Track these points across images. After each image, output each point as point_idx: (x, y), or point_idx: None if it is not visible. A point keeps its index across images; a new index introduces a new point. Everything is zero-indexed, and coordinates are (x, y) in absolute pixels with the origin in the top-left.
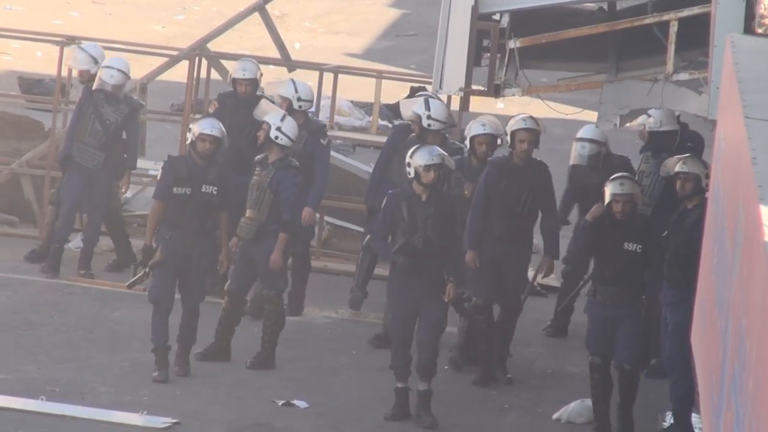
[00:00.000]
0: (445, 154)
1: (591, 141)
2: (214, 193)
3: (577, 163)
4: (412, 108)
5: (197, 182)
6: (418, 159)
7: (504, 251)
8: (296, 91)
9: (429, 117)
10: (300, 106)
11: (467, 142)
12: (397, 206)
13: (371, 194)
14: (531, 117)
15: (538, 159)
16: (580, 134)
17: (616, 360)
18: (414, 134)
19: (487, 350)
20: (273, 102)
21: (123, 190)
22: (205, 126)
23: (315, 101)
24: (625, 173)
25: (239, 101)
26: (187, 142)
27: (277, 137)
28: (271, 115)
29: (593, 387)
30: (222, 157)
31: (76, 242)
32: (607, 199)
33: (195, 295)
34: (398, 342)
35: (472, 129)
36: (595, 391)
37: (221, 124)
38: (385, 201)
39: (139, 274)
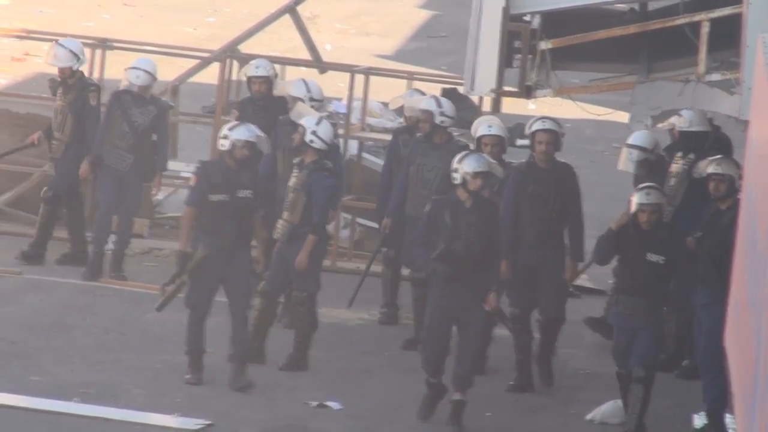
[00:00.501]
0: (493, 161)
1: (637, 147)
2: (250, 196)
3: (624, 168)
4: (419, 106)
5: (233, 187)
6: (466, 166)
7: (537, 258)
8: (308, 91)
9: (442, 113)
10: (312, 106)
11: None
12: (440, 212)
13: (382, 205)
14: (550, 118)
15: (563, 161)
16: (629, 140)
17: (629, 366)
18: (421, 134)
19: (524, 360)
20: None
21: (154, 192)
22: (243, 133)
23: (347, 103)
24: (651, 183)
25: (258, 106)
26: (223, 148)
27: (312, 141)
28: (307, 118)
29: (623, 395)
30: (257, 160)
31: (107, 245)
32: (633, 209)
33: (241, 303)
34: (430, 351)
35: (479, 130)
36: (625, 400)
37: (257, 128)
38: (428, 206)
39: (176, 284)
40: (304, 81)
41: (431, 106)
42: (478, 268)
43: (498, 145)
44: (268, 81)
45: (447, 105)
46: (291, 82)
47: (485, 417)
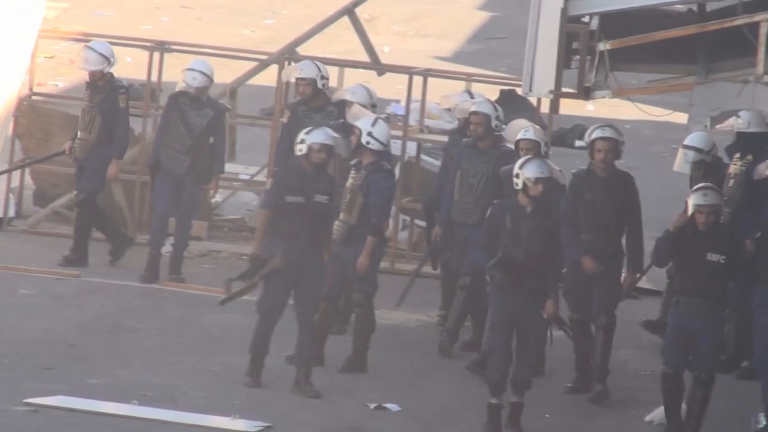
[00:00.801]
0: (555, 167)
1: (693, 149)
2: (326, 201)
3: (679, 170)
4: (473, 108)
5: (310, 191)
6: (527, 171)
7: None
8: (370, 97)
9: (497, 117)
10: (323, 84)
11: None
12: (501, 217)
13: (432, 206)
14: (610, 125)
15: (623, 170)
16: (685, 141)
17: (692, 368)
18: (468, 138)
19: (583, 362)
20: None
21: (211, 194)
22: (319, 136)
23: (405, 105)
24: (708, 183)
25: (309, 108)
26: (300, 153)
27: (368, 142)
28: (363, 120)
29: (665, 395)
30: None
31: (166, 247)
32: (690, 210)
33: (310, 310)
34: (496, 355)
35: (518, 134)
36: (666, 401)
37: (333, 132)
38: (489, 211)
39: (244, 286)
40: (314, 62)
41: (488, 109)
42: (536, 274)
43: (533, 149)
44: (313, 83)
45: (500, 110)
46: (350, 89)
47: (544, 418)
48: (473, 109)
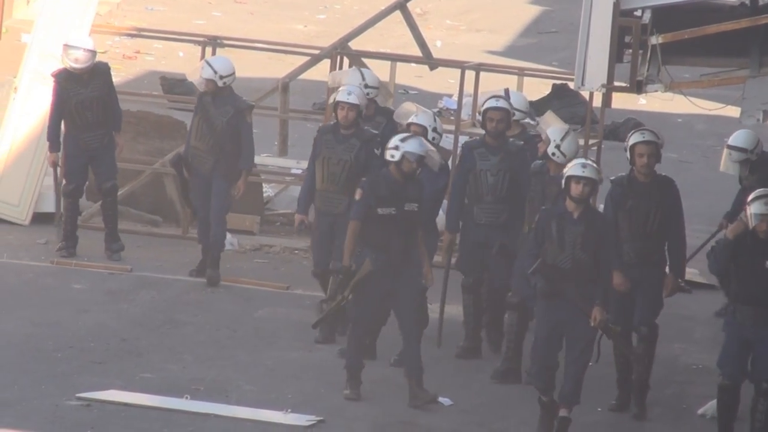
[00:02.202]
0: (598, 168)
1: (737, 149)
2: (416, 210)
3: (725, 170)
4: (419, 121)
5: (400, 201)
6: (569, 170)
7: (636, 274)
8: (363, 78)
9: (434, 129)
10: (367, 93)
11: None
12: (547, 223)
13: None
14: (649, 129)
15: (664, 174)
16: (729, 141)
17: (752, 379)
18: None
19: (624, 378)
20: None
21: (235, 192)
22: (416, 146)
23: (457, 99)
24: (766, 190)
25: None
26: (392, 159)
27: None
28: (552, 129)
29: (720, 407)
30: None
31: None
32: (750, 219)
33: (411, 321)
34: (538, 366)
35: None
36: (721, 412)
37: (426, 142)
38: (537, 217)
39: (338, 299)
40: (359, 69)
41: (427, 122)
42: (582, 282)
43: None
44: (357, 108)
45: (439, 122)
46: (345, 71)
47: (596, 412)
48: (412, 120)
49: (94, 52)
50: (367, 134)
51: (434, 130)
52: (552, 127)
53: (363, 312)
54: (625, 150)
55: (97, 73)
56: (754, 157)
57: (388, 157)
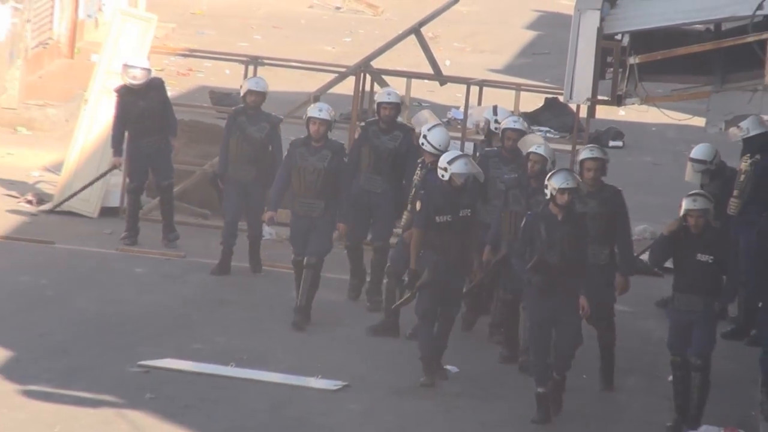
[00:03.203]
0: (579, 179)
1: (698, 161)
2: (469, 215)
3: (690, 180)
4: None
5: (455, 209)
6: (554, 182)
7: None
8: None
9: (496, 121)
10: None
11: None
12: (536, 226)
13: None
14: (598, 146)
15: (611, 185)
16: (691, 154)
17: (689, 356)
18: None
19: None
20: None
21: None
22: (461, 167)
23: (463, 110)
24: (698, 191)
25: (380, 129)
26: (443, 179)
27: (422, 143)
28: (425, 124)
29: (674, 380)
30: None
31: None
32: (681, 213)
33: (454, 309)
34: (535, 351)
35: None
36: (675, 384)
37: (472, 160)
38: (524, 221)
39: (406, 296)
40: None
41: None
42: (571, 276)
43: (395, 109)
44: (398, 108)
45: (503, 113)
46: (422, 115)
47: (581, 378)
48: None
49: (149, 70)
50: (336, 145)
51: (496, 121)
52: (424, 124)
53: (428, 309)
54: (576, 164)
55: (153, 87)
56: (713, 167)
57: (439, 175)
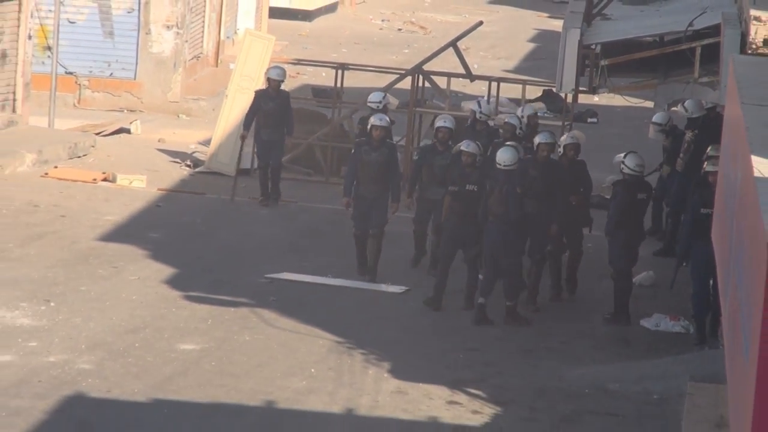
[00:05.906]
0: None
1: (656, 124)
2: (475, 190)
3: (652, 137)
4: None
5: (462, 183)
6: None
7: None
8: (480, 106)
9: (481, 113)
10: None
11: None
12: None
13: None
14: (550, 132)
15: (580, 159)
16: (653, 119)
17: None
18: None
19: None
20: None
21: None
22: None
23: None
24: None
25: (371, 147)
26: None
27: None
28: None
29: (615, 289)
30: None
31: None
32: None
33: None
34: (486, 276)
35: (539, 137)
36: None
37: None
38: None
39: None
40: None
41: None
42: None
43: (552, 150)
44: (386, 129)
45: (485, 105)
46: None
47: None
48: (374, 122)
49: (281, 81)
50: (390, 144)
51: (480, 113)
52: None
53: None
54: (533, 146)
55: (282, 95)
56: (667, 128)
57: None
